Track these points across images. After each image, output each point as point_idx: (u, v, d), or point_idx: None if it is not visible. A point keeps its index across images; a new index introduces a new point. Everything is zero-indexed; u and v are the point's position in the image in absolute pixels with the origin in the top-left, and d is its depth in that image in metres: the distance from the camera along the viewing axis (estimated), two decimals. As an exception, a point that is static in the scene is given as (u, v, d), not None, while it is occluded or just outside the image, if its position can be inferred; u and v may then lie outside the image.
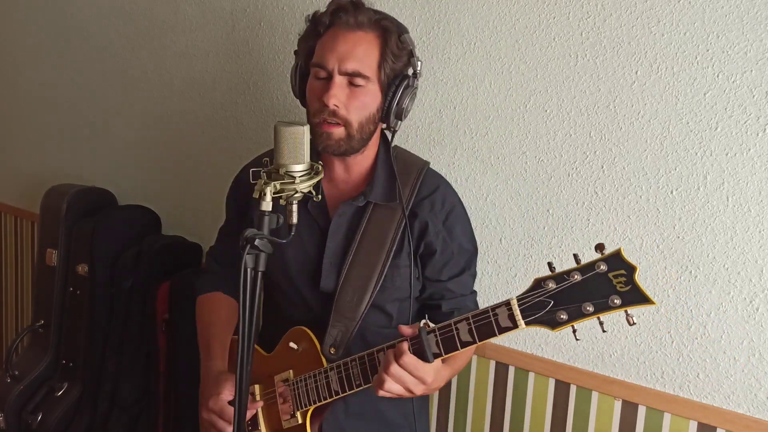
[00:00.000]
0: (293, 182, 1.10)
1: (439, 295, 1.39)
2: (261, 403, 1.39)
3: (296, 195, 1.11)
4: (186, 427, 1.98)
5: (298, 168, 1.11)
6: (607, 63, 1.42)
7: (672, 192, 1.38)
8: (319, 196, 1.18)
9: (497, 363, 1.62)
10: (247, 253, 1.04)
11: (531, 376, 1.59)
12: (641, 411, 1.46)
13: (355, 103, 1.27)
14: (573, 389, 1.54)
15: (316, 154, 1.39)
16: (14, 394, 2.19)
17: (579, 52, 1.45)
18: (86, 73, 2.44)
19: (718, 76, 1.31)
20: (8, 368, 2.24)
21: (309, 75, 1.33)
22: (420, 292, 1.41)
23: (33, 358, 2.27)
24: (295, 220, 1.12)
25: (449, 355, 1.15)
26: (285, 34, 1.89)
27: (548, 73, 1.48)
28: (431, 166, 1.44)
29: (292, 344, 1.37)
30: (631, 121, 1.41)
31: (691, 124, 1.35)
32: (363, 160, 1.37)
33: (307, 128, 1.11)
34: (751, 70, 1.28)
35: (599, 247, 1.04)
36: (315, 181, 1.13)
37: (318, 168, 1.15)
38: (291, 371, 1.36)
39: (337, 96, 1.26)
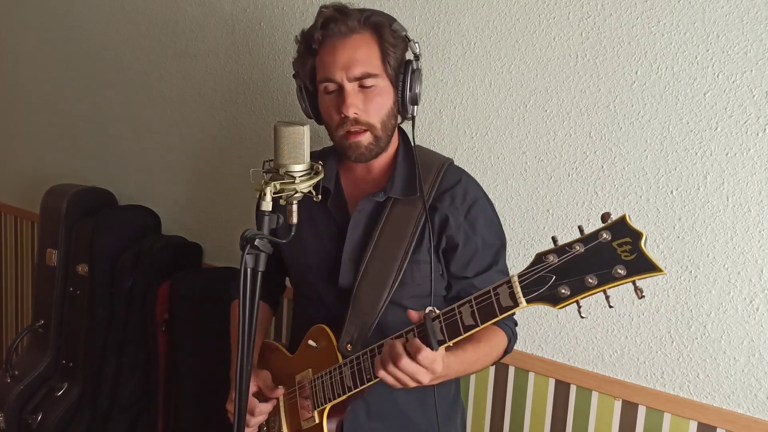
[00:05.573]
0: (293, 182, 1.10)
1: (466, 293, 1.31)
2: (281, 391, 1.40)
3: (296, 195, 1.11)
4: (186, 427, 1.98)
5: (298, 168, 1.11)
6: (607, 63, 1.42)
7: (672, 192, 1.38)
8: (319, 196, 1.17)
9: (497, 363, 1.62)
10: (247, 253, 1.04)
11: (531, 376, 1.59)
12: (641, 411, 1.46)
13: (372, 105, 1.29)
14: (573, 389, 1.54)
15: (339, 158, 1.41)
16: (14, 394, 2.19)
17: (579, 52, 1.45)
18: (86, 73, 2.44)
19: (718, 76, 1.31)
20: (8, 368, 2.25)
21: (316, 93, 1.34)
22: (447, 291, 1.38)
23: (33, 358, 2.27)
24: (295, 220, 1.12)
25: (454, 341, 1.10)
26: (285, 34, 1.89)
27: (548, 73, 1.49)
28: None
29: (311, 342, 1.37)
30: (631, 121, 1.41)
31: (691, 124, 1.35)
32: (382, 157, 1.37)
33: (307, 128, 1.11)
34: (751, 70, 1.28)
35: (605, 217, 0.97)
36: (315, 181, 1.13)
37: (318, 168, 1.14)
38: (310, 370, 1.36)
39: (355, 104, 1.27)
